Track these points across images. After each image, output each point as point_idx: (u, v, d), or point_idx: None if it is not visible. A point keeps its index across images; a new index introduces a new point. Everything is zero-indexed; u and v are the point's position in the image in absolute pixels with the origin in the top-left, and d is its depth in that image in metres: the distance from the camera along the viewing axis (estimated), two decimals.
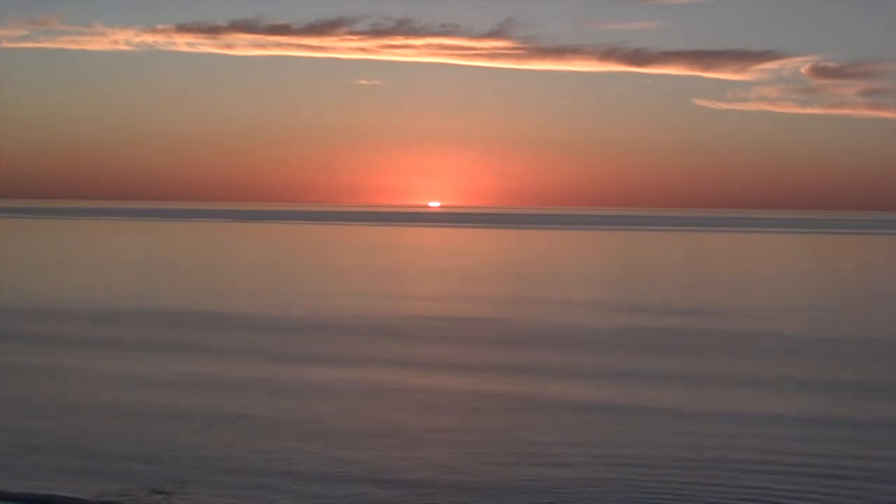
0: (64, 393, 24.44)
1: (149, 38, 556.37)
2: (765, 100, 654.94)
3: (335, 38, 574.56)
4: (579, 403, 23.73)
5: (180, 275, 64.47)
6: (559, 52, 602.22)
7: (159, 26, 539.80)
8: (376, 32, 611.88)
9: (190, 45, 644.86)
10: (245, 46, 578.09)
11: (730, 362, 30.30)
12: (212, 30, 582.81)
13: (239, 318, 39.84)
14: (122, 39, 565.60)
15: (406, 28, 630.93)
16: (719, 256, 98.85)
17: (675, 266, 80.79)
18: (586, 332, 37.21)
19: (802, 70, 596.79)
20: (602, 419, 22.09)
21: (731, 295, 53.79)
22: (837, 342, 35.19)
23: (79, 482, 16.91)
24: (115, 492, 16.41)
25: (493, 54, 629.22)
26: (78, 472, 17.55)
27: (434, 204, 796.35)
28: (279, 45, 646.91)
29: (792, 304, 48.68)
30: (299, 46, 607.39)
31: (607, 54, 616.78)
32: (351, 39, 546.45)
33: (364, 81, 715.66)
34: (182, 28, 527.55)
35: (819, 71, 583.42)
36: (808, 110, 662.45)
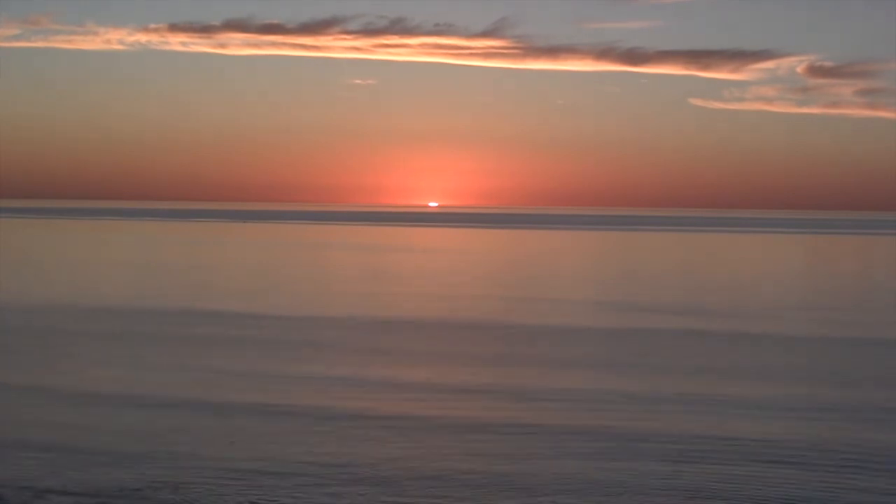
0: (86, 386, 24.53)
1: (142, 38, 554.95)
2: (761, 99, 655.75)
3: (329, 38, 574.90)
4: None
5: (191, 276, 64.54)
6: (554, 51, 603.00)
7: (152, 25, 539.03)
8: (370, 31, 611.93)
9: (183, 44, 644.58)
10: (238, 46, 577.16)
11: (728, 362, 30.42)
12: (205, 29, 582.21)
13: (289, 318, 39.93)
14: (115, 39, 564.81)
15: (400, 27, 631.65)
16: (716, 257, 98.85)
17: (672, 266, 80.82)
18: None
19: (799, 69, 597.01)
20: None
21: (730, 295, 53.84)
22: (841, 342, 35.33)
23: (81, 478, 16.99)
24: (124, 485, 16.46)
25: (487, 54, 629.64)
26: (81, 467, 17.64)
27: (432, 204, 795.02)
28: (273, 44, 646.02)
29: (791, 305, 48.77)
30: (293, 46, 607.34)
31: (602, 54, 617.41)
32: (345, 39, 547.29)
33: (358, 81, 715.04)
34: (175, 27, 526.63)
35: (815, 70, 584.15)
36: (805, 110, 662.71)
